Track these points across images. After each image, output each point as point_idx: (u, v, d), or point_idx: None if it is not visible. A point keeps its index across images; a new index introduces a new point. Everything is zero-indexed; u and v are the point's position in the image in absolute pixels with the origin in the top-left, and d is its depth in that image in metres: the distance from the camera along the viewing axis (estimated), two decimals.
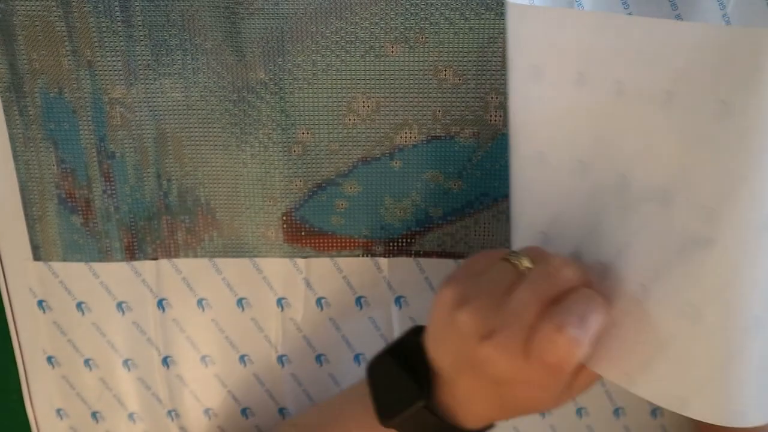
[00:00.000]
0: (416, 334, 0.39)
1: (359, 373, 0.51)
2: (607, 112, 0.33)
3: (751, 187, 0.29)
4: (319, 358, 0.51)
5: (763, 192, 0.29)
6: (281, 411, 0.53)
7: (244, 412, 0.53)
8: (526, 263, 0.34)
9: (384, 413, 0.39)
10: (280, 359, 0.52)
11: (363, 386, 0.41)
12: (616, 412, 0.52)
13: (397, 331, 0.50)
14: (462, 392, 0.37)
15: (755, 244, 0.29)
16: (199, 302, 0.50)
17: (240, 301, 0.50)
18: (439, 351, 0.37)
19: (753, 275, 0.30)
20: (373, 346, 0.50)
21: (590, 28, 0.33)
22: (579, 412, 0.52)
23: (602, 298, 0.33)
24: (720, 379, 0.31)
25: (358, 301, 0.50)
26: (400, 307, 0.50)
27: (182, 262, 0.49)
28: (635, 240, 0.33)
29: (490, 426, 0.40)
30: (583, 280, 0.34)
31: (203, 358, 0.52)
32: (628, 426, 0.53)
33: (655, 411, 0.52)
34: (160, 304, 0.50)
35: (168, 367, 0.52)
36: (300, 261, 0.49)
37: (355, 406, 0.42)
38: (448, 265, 0.49)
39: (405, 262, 0.49)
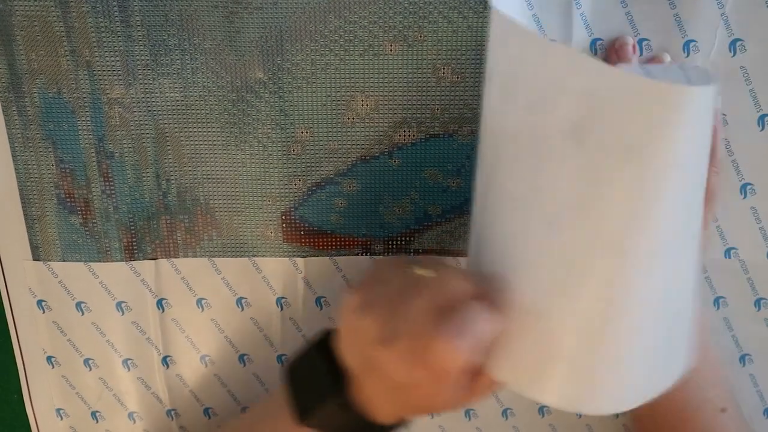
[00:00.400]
0: (329, 336, 0.41)
1: None
2: (520, 131, 0.34)
3: (643, 223, 0.32)
4: None
5: (652, 226, 0.32)
6: None
7: (244, 411, 0.53)
8: (425, 273, 0.37)
9: (301, 412, 0.40)
10: (280, 359, 0.52)
11: (283, 390, 0.43)
12: None
13: None
14: (369, 391, 0.39)
15: (646, 267, 0.33)
16: (199, 302, 0.50)
17: (239, 301, 0.50)
18: (347, 353, 0.39)
19: (646, 294, 0.34)
20: None
21: (517, 44, 0.33)
22: None
23: (491, 310, 0.35)
24: (607, 379, 0.35)
25: None
26: None
27: (181, 262, 0.49)
28: (532, 260, 0.35)
29: (404, 422, 0.42)
30: (476, 293, 0.36)
31: (203, 357, 0.52)
32: (627, 424, 0.53)
33: None
34: (160, 303, 0.50)
35: (168, 366, 0.52)
36: (299, 260, 0.49)
37: (276, 411, 0.43)
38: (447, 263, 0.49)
39: None
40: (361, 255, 0.49)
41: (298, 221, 0.48)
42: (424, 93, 0.45)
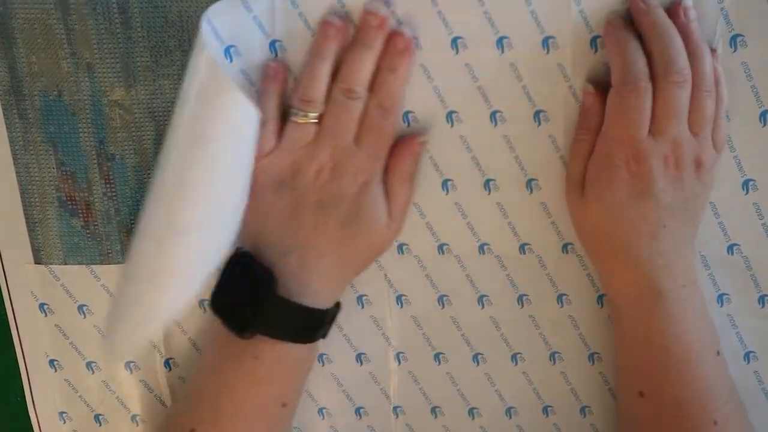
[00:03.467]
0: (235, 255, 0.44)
1: (361, 372, 0.51)
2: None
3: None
4: (320, 357, 0.51)
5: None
6: None
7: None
8: None
9: (241, 326, 0.42)
10: None
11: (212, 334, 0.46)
12: None
13: (397, 329, 0.50)
14: (314, 258, 0.43)
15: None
16: (201, 303, 0.50)
17: None
18: (277, 234, 0.43)
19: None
20: (374, 345, 0.50)
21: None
22: (583, 410, 0.52)
23: None
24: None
25: (359, 299, 0.50)
26: (401, 305, 0.50)
27: None
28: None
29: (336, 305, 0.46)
30: None
31: None
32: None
33: None
34: None
35: (170, 369, 0.52)
36: None
37: (216, 341, 0.45)
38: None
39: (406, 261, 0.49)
40: None
41: None
42: None
